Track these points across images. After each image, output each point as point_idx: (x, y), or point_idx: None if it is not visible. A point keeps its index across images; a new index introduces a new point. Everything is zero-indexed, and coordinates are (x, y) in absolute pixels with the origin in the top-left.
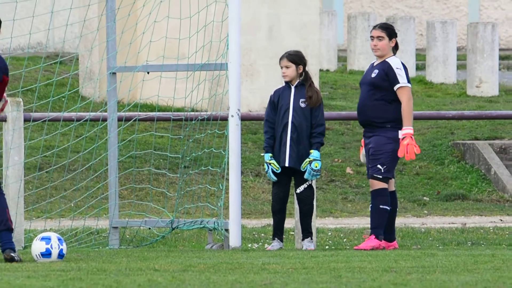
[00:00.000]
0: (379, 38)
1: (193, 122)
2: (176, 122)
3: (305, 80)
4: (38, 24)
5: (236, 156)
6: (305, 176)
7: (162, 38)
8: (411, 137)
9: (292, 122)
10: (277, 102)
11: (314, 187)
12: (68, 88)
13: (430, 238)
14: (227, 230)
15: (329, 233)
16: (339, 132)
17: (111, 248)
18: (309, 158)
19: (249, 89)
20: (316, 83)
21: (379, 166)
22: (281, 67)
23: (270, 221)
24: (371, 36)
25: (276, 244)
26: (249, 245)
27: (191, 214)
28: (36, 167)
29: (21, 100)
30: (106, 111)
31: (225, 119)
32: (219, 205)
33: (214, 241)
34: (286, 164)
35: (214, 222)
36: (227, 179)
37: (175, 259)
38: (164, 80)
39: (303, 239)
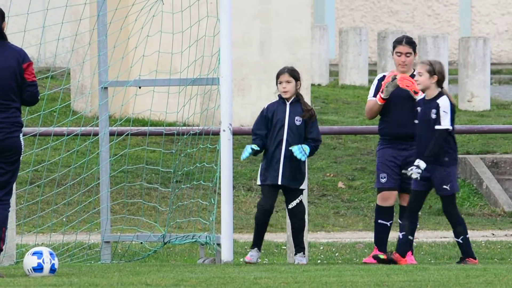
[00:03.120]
0: (407, 54)
1: (185, 136)
2: (168, 136)
3: (298, 96)
4: (29, 39)
5: (228, 171)
6: (294, 150)
7: (154, 52)
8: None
9: (286, 139)
10: (271, 117)
11: (306, 202)
12: (59, 103)
13: (422, 252)
14: (219, 244)
15: (321, 247)
16: (331, 146)
17: (103, 263)
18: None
19: (241, 104)
20: (308, 97)
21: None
22: (280, 82)
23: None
24: (398, 52)
25: (255, 254)
26: (241, 260)
27: (183, 228)
28: (28, 181)
29: None
30: (97, 126)
31: (217, 133)
32: (211, 219)
33: (206, 256)
34: (279, 182)
35: (206, 237)
36: (219, 194)
37: (167, 274)
38: (156, 95)
39: (295, 254)
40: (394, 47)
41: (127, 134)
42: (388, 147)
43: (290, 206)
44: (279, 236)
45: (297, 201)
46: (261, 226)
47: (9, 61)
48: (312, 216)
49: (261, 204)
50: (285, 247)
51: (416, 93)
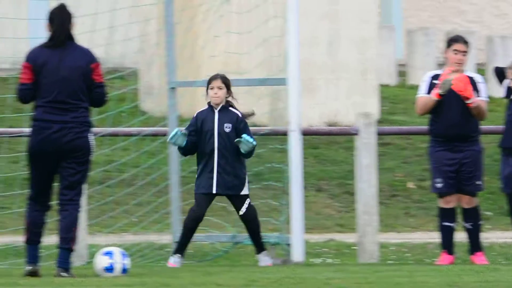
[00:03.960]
0: (464, 53)
1: (254, 137)
2: None
3: (228, 103)
4: (97, 39)
5: (298, 171)
6: (242, 145)
7: (222, 53)
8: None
9: (218, 148)
10: (200, 126)
11: (376, 202)
12: (128, 103)
13: (493, 253)
14: (289, 245)
15: (392, 248)
16: (400, 147)
17: None
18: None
19: (309, 104)
20: (377, 98)
21: (479, 182)
22: (212, 88)
23: (333, 235)
24: (455, 50)
25: (178, 260)
26: (312, 260)
27: None
28: (98, 181)
29: None
30: (166, 126)
31: (285, 134)
32: (281, 220)
33: (276, 256)
34: (214, 191)
35: (277, 237)
36: (289, 194)
37: (238, 274)
38: None
39: (257, 253)
40: (450, 45)
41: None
42: (441, 150)
43: (240, 213)
44: (349, 236)
45: (246, 205)
46: (189, 231)
47: (78, 62)
48: (382, 216)
49: (193, 209)
50: (355, 248)
51: (467, 98)
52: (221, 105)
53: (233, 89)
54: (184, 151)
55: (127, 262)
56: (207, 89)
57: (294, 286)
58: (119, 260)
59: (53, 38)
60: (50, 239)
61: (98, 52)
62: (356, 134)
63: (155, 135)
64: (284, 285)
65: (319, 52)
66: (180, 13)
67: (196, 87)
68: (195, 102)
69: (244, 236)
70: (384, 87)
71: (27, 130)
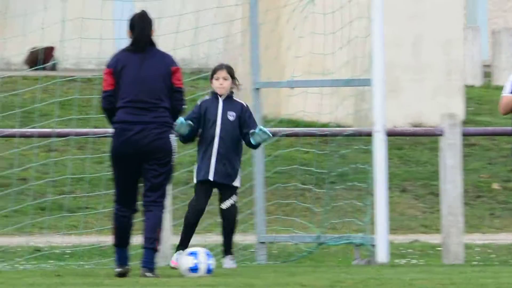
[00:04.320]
0: None
1: (339, 137)
2: (322, 137)
3: (231, 93)
4: (182, 40)
5: (382, 172)
6: (255, 136)
7: (306, 53)
8: None
9: (220, 136)
10: (204, 114)
11: (460, 203)
12: None
13: None
14: (374, 245)
15: (477, 249)
16: (485, 147)
17: (258, 264)
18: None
19: (394, 105)
20: (462, 98)
21: None
22: (217, 78)
23: (418, 236)
24: None
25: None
26: (396, 261)
27: (337, 229)
28: (183, 182)
29: None
30: None
31: (370, 134)
32: (365, 220)
33: (361, 257)
34: (211, 178)
35: (361, 238)
36: (373, 195)
37: (322, 275)
38: (309, 96)
39: (223, 256)
40: None
41: (280, 135)
42: None
43: (223, 206)
44: (434, 237)
45: (231, 201)
46: (190, 227)
47: (159, 63)
48: (467, 217)
49: (192, 204)
50: (440, 249)
51: None
52: (226, 95)
53: (317, 89)
54: (184, 139)
55: (212, 262)
56: (211, 78)
57: (378, 287)
58: (204, 260)
59: (134, 43)
60: (135, 239)
61: (182, 53)
62: (441, 135)
63: None
64: (368, 286)
65: (403, 52)
66: (264, 14)
67: (280, 87)
68: (279, 103)
69: (328, 236)
70: (469, 88)
71: (112, 130)
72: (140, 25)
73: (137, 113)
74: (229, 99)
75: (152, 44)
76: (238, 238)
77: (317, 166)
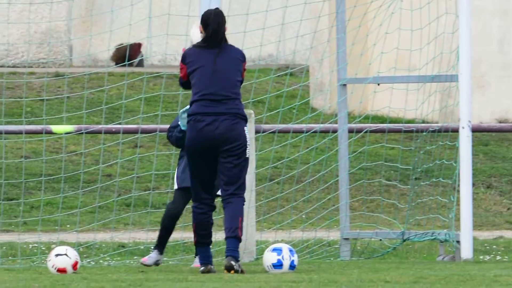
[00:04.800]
0: None
1: (424, 133)
2: (407, 133)
3: None
4: (269, 36)
5: (468, 168)
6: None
7: (393, 49)
8: None
9: None
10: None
11: None
12: (298, 100)
13: None
14: (458, 242)
15: None
16: None
17: (342, 260)
18: None
19: (480, 101)
20: None
21: None
22: None
23: (502, 233)
24: None
25: (154, 255)
26: (481, 257)
27: (422, 225)
28: (267, 178)
29: (252, 111)
30: (336, 123)
31: (456, 130)
32: (450, 216)
33: (445, 253)
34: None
35: (445, 234)
36: (458, 191)
37: (406, 271)
38: (395, 92)
39: (196, 255)
40: None
41: (366, 131)
42: None
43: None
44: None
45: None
46: (165, 230)
47: (231, 58)
48: None
49: (169, 207)
50: None
51: None
52: None
53: (403, 85)
54: (178, 142)
55: (295, 258)
56: None
57: (463, 283)
58: (287, 257)
59: (208, 39)
60: (217, 236)
61: (269, 48)
62: None
63: (325, 131)
64: (452, 282)
65: (490, 49)
66: (351, 10)
67: (366, 83)
68: (365, 99)
69: (412, 232)
70: None
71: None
72: (215, 23)
73: (210, 105)
74: None
75: (224, 41)
76: (322, 234)
77: (402, 162)
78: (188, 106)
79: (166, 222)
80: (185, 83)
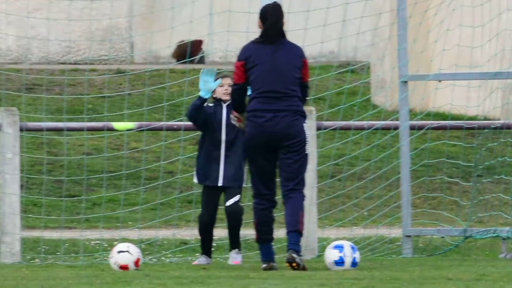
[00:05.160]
0: None
1: (486, 130)
2: (469, 130)
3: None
4: (330, 33)
5: None
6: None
7: (454, 46)
8: None
9: (226, 140)
10: (210, 117)
11: None
12: (359, 97)
13: None
14: None
15: None
16: None
17: (404, 257)
18: None
19: None
20: None
21: None
22: (222, 85)
23: None
24: None
25: (203, 259)
26: None
27: (484, 222)
28: (328, 175)
29: (313, 108)
30: (397, 120)
31: None
32: None
33: (508, 251)
34: (220, 184)
35: (508, 231)
36: None
37: (469, 268)
38: (456, 89)
39: (230, 249)
40: None
41: (427, 128)
42: None
43: (227, 204)
44: None
45: (235, 199)
46: (204, 238)
47: (290, 54)
48: None
49: (199, 220)
50: None
51: None
52: (229, 101)
53: (464, 82)
54: (196, 118)
55: (357, 255)
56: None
57: None
58: (349, 254)
59: (265, 35)
60: (278, 233)
61: (330, 45)
62: None
63: (386, 128)
64: None
65: None
66: (412, 7)
67: (427, 80)
68: (426, 96)
69: (475, 230)
70: None
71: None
72: (273, 17)
73: (269, 102)
74: (228, 106)
75: (282, 35)
76: (384, 231)
77: (464, 159)
78: (213, 68)
79: (202, 232)
80: (238, 88)
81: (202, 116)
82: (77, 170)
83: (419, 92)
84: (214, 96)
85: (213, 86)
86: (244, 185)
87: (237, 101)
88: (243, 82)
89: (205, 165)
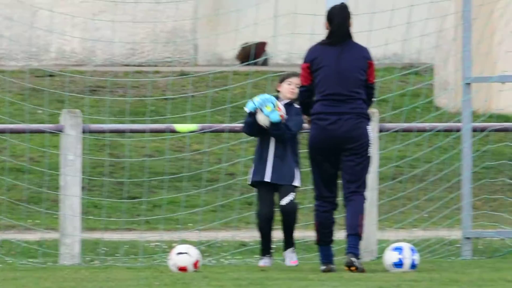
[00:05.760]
0: None
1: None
2: None
3: (293, 101)
4: (394, 35)
5: None
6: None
7: None
8: None
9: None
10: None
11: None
12: (422, 98)
13: None
14: None
15: None
16: None
17: (463, 259)
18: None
19: None
20: None
21: None
22: (289, 83)
23: None
24: None
25: (268, 260)
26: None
27: None
28: (390, 177)
29: (376, 110)
30: (460, 122)
31: None
32: None
33: None
34: (267, 179)
35: None
36: None
37: None
38: None
39: (284, 250)
40: None
41: (490, 130)
42: None
43: (282, 203)
44: None
45: (290, 198)
46: (266, 234)
47: (356, 56)
48: None
49: (260, 212)
50: None
51: None
52: (289, 101)
53: None
54: (253, 129)
55: (416, 257)
56: (282, 82)
57: None
58: (408, 256)
59: (331, 36)
60: (338, 235)
61: (394, 47)
62: None
63: (448, 130)
64: None
65: None
66: (477, 9)
67: (491, 82)
68: (490, 98)
69: None
70: None
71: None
72: (340, 17)
73: (334, 105)
74: (290, 105)
75: (349, 36)
76: (444, 233)
77: None
78: (270, 96)
79: (261, 227)
80: (305, 90)
81: (257, 127)
82: (138, 172)
83: (482, 94)
84: (278, 91)
85: (265, 119)
86: (297, 184)
87: (303, 103)
88: (309, 84)
89: (257, 163)
